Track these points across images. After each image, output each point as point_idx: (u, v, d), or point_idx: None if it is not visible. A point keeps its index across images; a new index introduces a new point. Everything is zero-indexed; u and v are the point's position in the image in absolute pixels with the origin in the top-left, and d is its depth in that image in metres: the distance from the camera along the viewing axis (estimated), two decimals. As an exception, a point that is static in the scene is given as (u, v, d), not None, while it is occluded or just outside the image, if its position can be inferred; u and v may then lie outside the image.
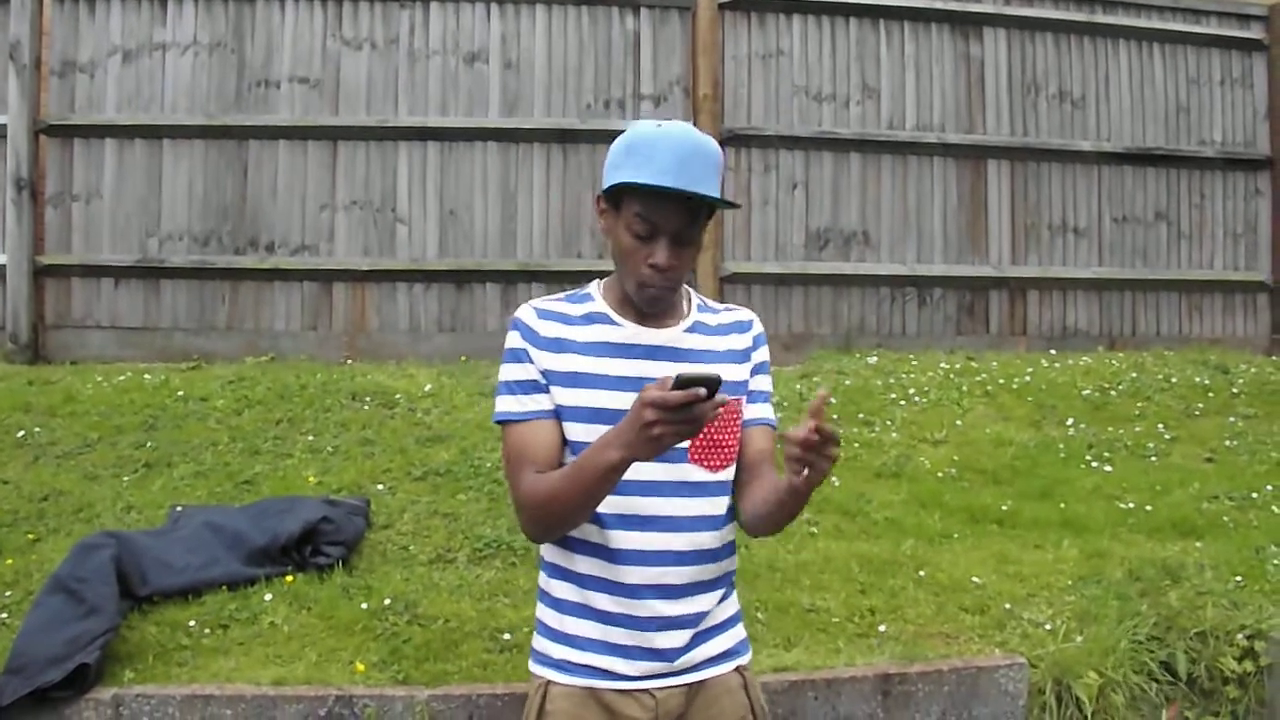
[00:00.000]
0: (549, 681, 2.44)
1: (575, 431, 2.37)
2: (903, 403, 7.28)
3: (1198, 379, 8.00)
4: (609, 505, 2.31)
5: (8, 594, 4.68)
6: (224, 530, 4.91)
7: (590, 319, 2.45)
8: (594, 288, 2.53)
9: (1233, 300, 9.52)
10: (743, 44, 8.71)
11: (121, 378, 7.31)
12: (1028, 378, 7.84)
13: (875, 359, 8.24)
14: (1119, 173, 9.31)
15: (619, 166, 2.32)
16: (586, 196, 8.39)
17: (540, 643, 2.50)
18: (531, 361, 2.39)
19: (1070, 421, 7.12)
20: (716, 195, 2.30)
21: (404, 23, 8.39)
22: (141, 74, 8.25)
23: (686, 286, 2.57)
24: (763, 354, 2.59)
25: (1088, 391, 7.63)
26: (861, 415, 7.05)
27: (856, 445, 6.61)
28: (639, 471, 2.21)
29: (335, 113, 8.32)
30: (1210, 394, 7.72)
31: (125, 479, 5.87)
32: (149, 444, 6.27)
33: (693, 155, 2.27)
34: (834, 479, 6.09)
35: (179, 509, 5.33)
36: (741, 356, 2.53)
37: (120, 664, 4.17)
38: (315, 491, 5.60)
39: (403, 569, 4.97)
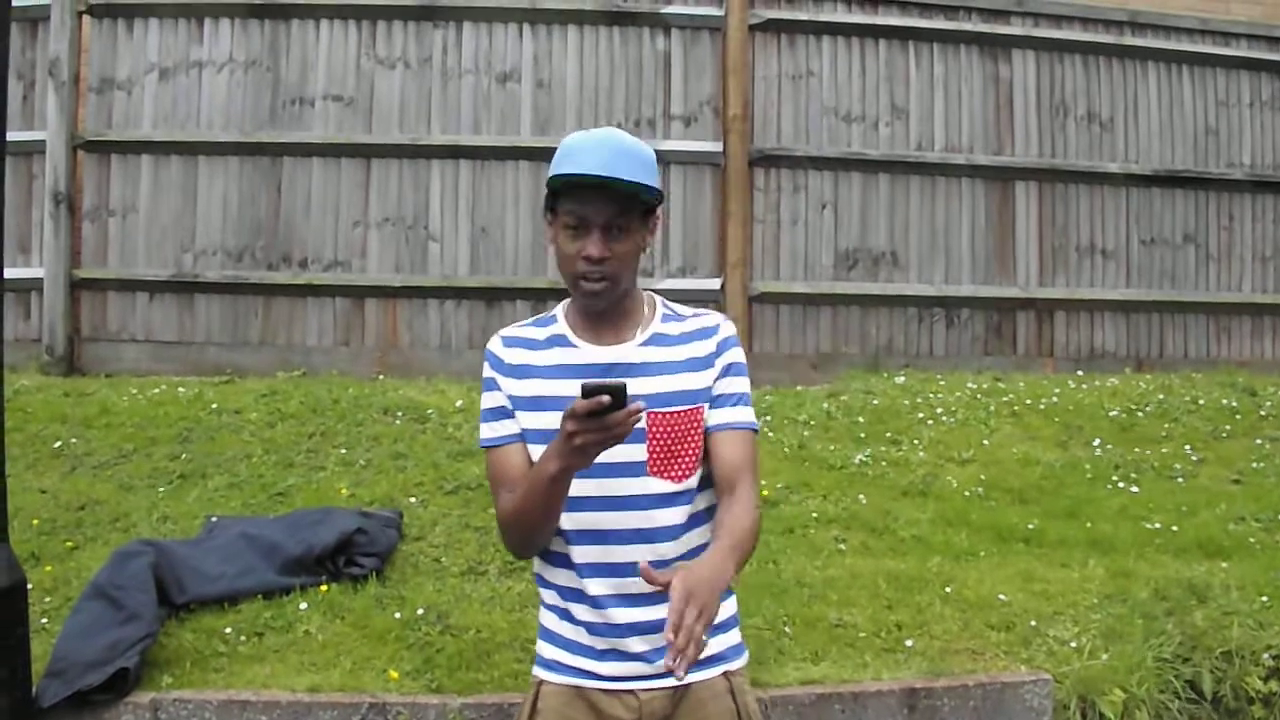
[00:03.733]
0: (542, 681, 2.55)
1: (537, 453, 2.43)
2: (930, 422, 7.30)
3: (1225, 401, 7.99)
4: (571, 521, 2.43)
5: (47, 600, 4.76)
6: (259, 540, 4.97)
7: (551, 342, 2.54)
8: (559, 309, 2.62)
9: (1261, 323, 9.50)
10: (773, 65, 8.75)
11: (156, 390, 7.40)
12: (1055, 398, 7.85)
13: (903, 379, 8.26)
14: (1147, 195, 9.30)
15: (552, 171, 2.41)
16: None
17: (539, 644, 2.61)
18: (499, 389, 2.52)
19: (1097, 442, 7.13)
20: (636, 181, 2.36)
21: (437, 42, 8.46)
22: (178, 91, 8.35)
23: (655, 296, 2.64)
24: (731, 356, 2.56)
25: (1115, 413, 7.64)
26: (889, 434, 7.07)
27: (884, 464, 6.64)
28: (598, 488, 2.36)
29: (369, 131, 8.39)
30: (1238, 416, 7.72)
31: (160, 489, 5.95)
32: (183, 455, 6.36)
33: (619, 152, 2.37)
34: (861, 497, 6.14)
35: (214, 519, 5.40)
36: (703, 364, 2.53)
37: (158, 669, 4.25)
38: (348, 504, 5.67)
39: (435, 580, 5.03)
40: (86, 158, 8.25)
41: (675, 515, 2.48)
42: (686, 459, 2.48)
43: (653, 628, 2.44)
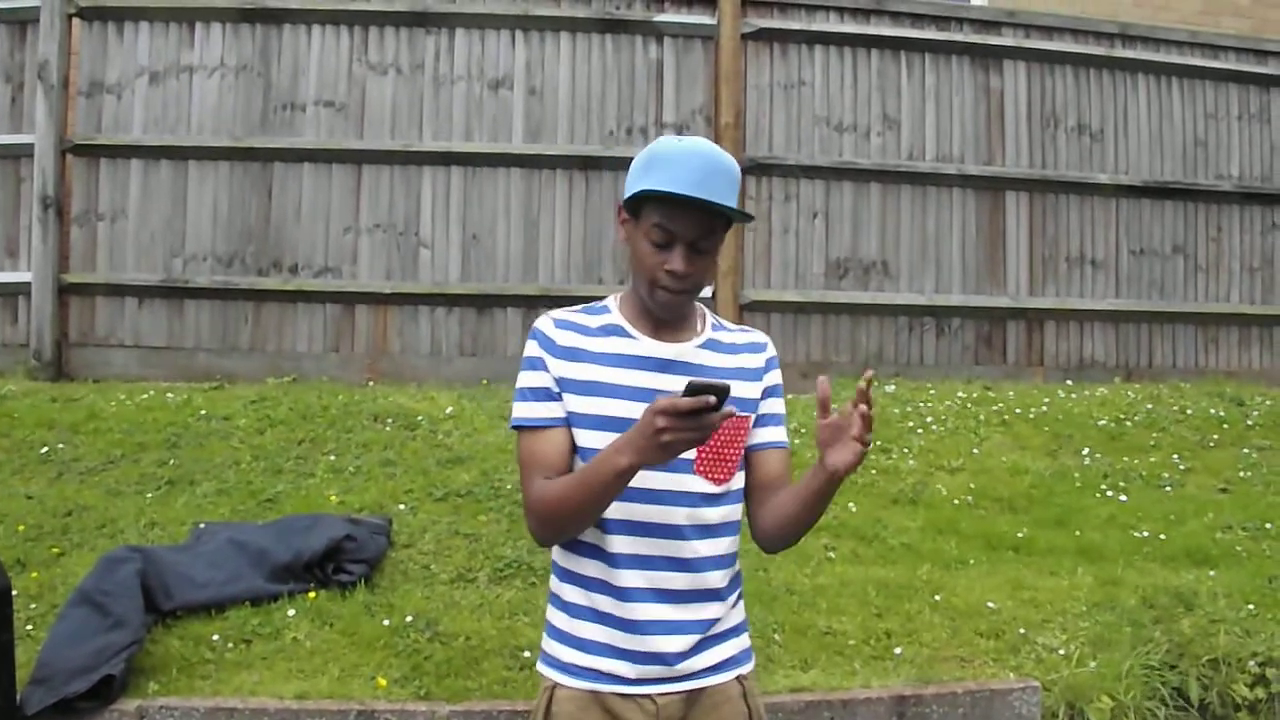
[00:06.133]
0: (556, 685, 2.49)
1: (585, 438, 2.42)
2: (920, 431, 7.31)
3: (1213, 411, 8.02)
4: (611, 510, 2.36)
5: (33, 606, 4.73)
6: (248, 547, 4.96)
7: (606, 331, 2.50)
8: (611, 301, 2.59)
9: (1249, 333, 9.52)
10: (765, 74, 8.76)
11: (144, 396, 7.37)
12: (1044, 407, 7.86)
13: (893, 388, 8.27)
14: (1136, 206, 9.33)
15: (641, 176, 2.38)
16: (608, 223, 8.43)
17: (549, 645, 2.55)
18: (547, 370, 2.45)
19: (1086, 451, 7.15)
20: (730, 207, 2.35)
21: (429, 48, 8.46)
22: (168, 95, 8.32)
23: (703, 306, 2.62)
24: (775, 377, 2.62)
25: (1104, 422, 7.65)
26: (879, 443, 7.06)
27: (874, 472, 6.65)
28: (643, 480, 2.28)
29: (360, 136, 8.37)
30: (1225, 426, 7.74)
31: (148, 495, 5.93)
32: (172, 461, 6.34)
33: (713, 169, 2.33)
34: (851, 505, 6.14)
35: (202, 526, 5.38)
36: (753, 375, 2.56)
37: (145, 676, 4.24)
38: (337, 510, 5.65)
39: (424, 587, 5.02)
40: (75, 161, 8.21)
41: (713, 515, 2.48)
42: (730, 462, 2.50)
43: (683, 628, 2.45)
